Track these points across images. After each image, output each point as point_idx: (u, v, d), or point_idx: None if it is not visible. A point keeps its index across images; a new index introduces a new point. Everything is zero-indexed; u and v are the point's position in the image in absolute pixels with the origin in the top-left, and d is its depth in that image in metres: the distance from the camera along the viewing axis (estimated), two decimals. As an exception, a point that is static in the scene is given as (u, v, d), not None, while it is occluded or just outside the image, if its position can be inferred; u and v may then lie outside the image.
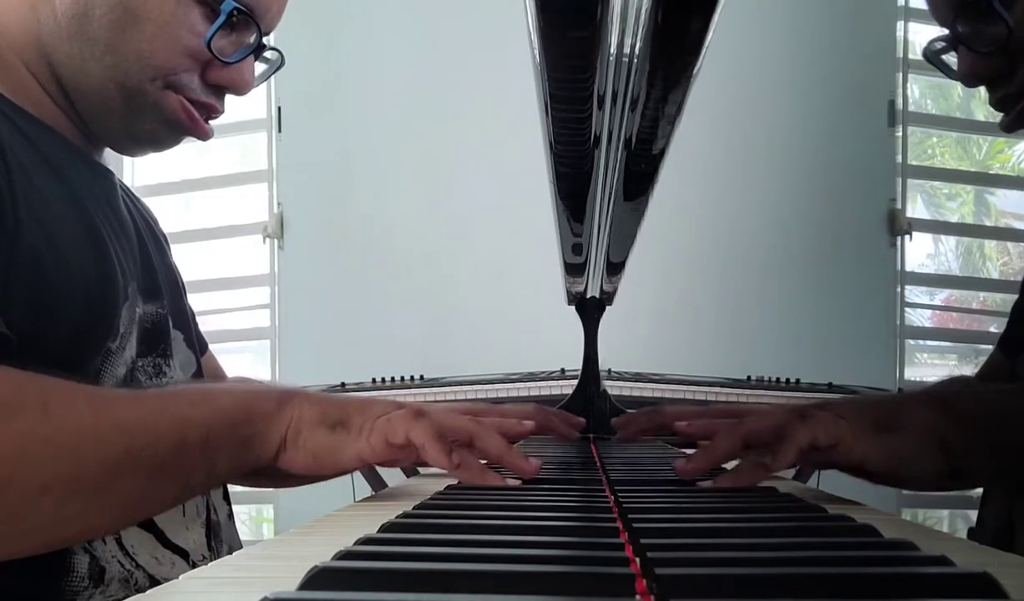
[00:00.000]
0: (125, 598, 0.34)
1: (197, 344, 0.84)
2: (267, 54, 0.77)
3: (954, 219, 3.49)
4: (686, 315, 2.02)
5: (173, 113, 0.72)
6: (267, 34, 0.75)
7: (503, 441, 0.65)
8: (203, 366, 0.88)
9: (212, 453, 0.57)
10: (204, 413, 0.57)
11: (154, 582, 0.63)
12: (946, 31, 0.78)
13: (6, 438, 0.46)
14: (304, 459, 0.61)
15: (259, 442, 0.59)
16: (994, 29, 0.74)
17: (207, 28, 0.70)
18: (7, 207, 0.58)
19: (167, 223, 0.89)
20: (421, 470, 0.86)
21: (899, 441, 0.60)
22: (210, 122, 0.76)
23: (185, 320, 0.82)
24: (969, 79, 0.78)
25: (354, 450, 0.61)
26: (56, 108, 0.70)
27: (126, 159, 2.09)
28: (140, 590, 0.45)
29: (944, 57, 0.80)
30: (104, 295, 0.66)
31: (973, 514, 0.94)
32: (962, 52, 0.78)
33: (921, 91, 2.81)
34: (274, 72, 0.80)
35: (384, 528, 0.44)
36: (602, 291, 1.14)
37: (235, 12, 0.70)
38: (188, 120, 0.73)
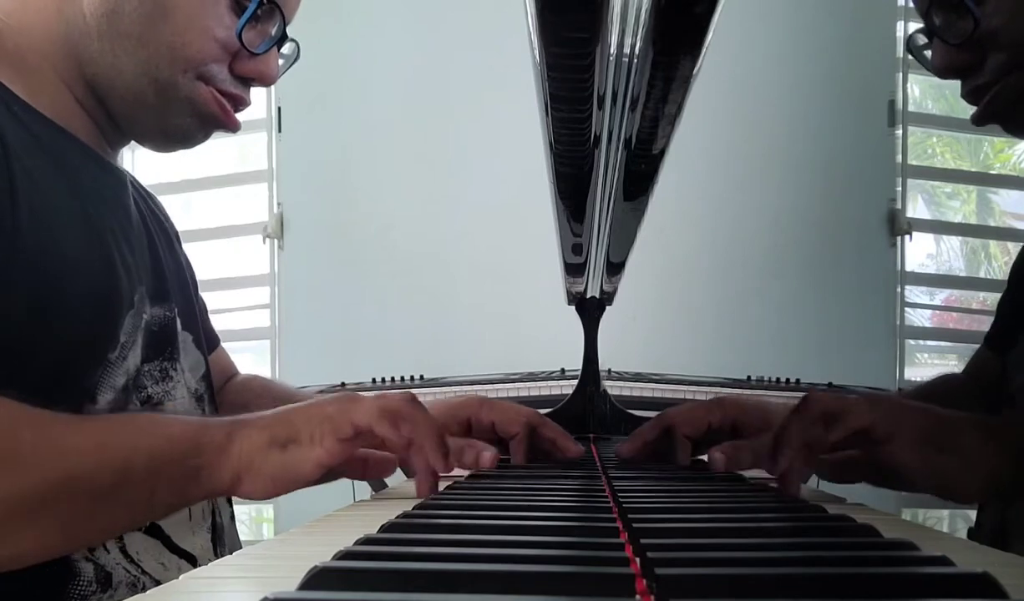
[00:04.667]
0: None
1: (206, 342, 0.84)
2: (285, 47, 0.77)
3: (957, 219, 3.49)
4: (686, 315, 2.02)
5: (205, 105, 0.72)
6: (288, 24, 0.75)
7: (434, 430, 0.64)
8: (215, 362, 0.88)
9: (157, 481, 0.56)
10: (150, 442, 0.57)
11: None
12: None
13: None
14: (264, 484, 0.60)
15: (207, 473, 0.59)
16: (964, 22, 0.74)
17: (234, 20, 0.71)
18: (7, 213, 0.58)
19: (167, 223, 0.89)
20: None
21: (948, 461, 0.60)
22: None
23: (194, 320, 0.81)
24: (942, 71, 0.79)
25: (311, 459, 0.60)
26: (78, 109, 0.70)
27: (126, 158, 2.09)
28: None
29: (925, 51, 0.81)
30: (107, 304, 0.66)
31: (973, 514, 0.94)
32: (936, 44, 0.79)
33: (921, 91, 2.81)
34: (292, 64, 0.80)
35: (384, 528, 0.44)
36: (602, 291, 1.14)
37: (263, 2, 0.71)
38: (220, 111, 0.74)
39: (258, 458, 0.60)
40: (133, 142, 0.77)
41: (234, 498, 0.83)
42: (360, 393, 0.67)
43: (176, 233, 0.87)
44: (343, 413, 0.61)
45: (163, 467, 0.56)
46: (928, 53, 0.80)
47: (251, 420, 0.62)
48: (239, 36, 0.71)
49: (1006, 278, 0.99)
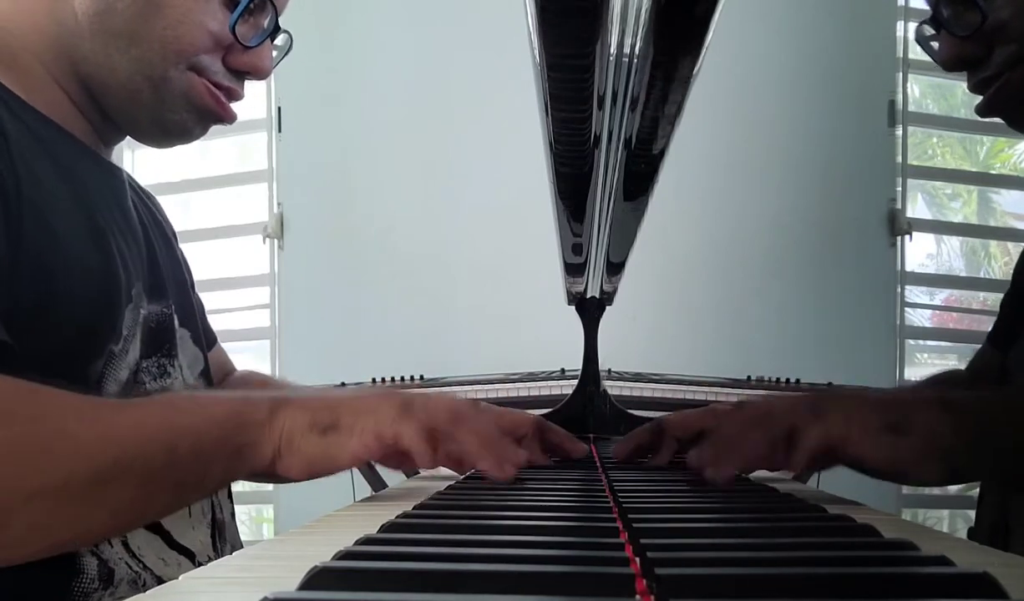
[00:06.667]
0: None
1: (205, 339, 0.84)
2: (278, 38, 0.77)
3: (957, 219, 3.49)
4: (686, 315, 2.02)
5: (200, 98, 0.72)
6: (280, 16, 0.75)
7: (481, 442, 0.63)
8: (211, 360, 0.88)
9: (205, 461, 0.57)
10: (195, 421, 0.57)
11: (161, 583, 0.63)
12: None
13: None
14: (300, 465, 0.61)
15: (252, 450, 0.59)
16: (972, 14, 0.75)
17: (226, 14, 0.71)
18: (11, 206, 0.58)
19: (166, 224, 0.89)
20: (422, 471, 0.86)
21: (903, 444, 0.60)
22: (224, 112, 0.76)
23: (192, 317, 0.82)
24: (948, 63, 0.79)
25: (348, 451, 0.61)
26: (72, 107, 0.70)
27: (125, 158, 2.09)
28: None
29: (933, 42, 0.81)
30: (107, 297, 0.66)
31: (973, 514, 0.94)
32: (943, 36, 0.79)
33: (921, 91, 2.81)
34: (284, 56, 0.80)
35: (384, 528, 0.44)
36: (602, 291, 1.14)
37: None
38: (215, 103, 0.74)
39: (298, 437, 0.60)
40: (133, 142, 0.77)
41: (234, 496, 0.83)
42: (413, 393, 0.66)
43: (174, 232, 0.87)
44: (389, 422, 0.61)
45: (209, 446, 0.57)
46: (935, 45, 0.81)
47: (293, 399, 0.62)
48: (232, 30, 0.71)
49: (1006, 278, 1.00)
